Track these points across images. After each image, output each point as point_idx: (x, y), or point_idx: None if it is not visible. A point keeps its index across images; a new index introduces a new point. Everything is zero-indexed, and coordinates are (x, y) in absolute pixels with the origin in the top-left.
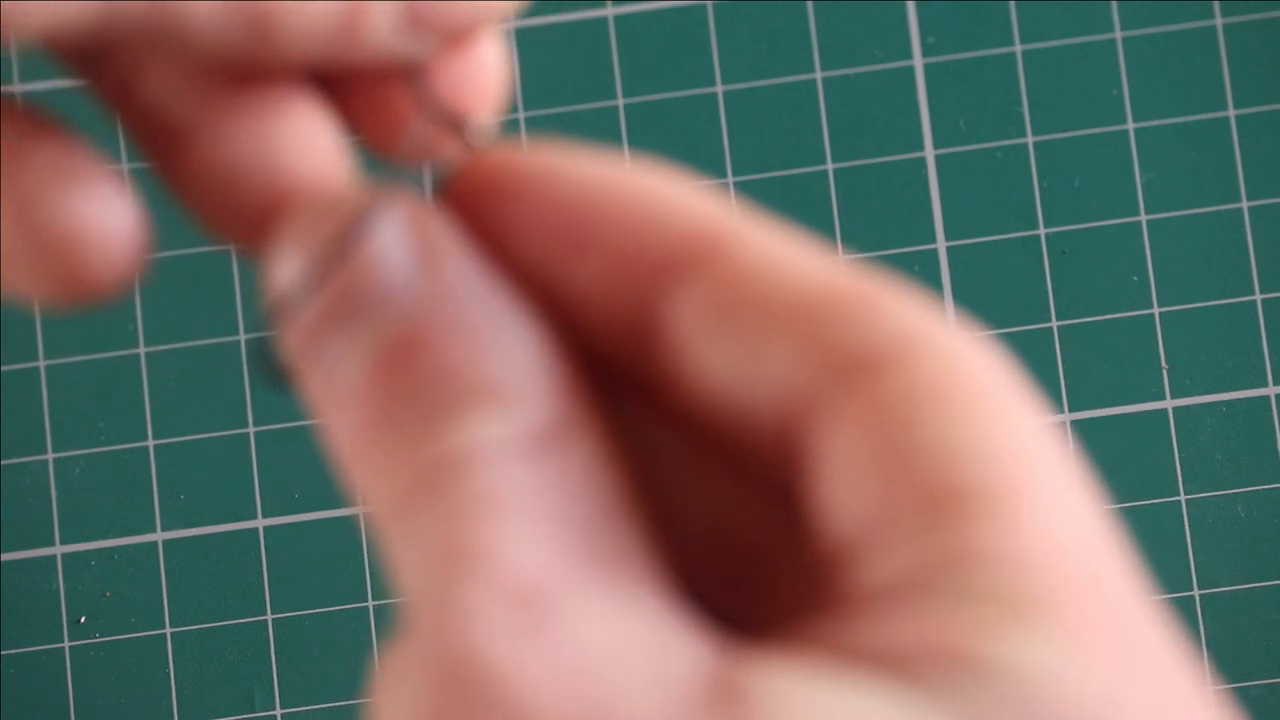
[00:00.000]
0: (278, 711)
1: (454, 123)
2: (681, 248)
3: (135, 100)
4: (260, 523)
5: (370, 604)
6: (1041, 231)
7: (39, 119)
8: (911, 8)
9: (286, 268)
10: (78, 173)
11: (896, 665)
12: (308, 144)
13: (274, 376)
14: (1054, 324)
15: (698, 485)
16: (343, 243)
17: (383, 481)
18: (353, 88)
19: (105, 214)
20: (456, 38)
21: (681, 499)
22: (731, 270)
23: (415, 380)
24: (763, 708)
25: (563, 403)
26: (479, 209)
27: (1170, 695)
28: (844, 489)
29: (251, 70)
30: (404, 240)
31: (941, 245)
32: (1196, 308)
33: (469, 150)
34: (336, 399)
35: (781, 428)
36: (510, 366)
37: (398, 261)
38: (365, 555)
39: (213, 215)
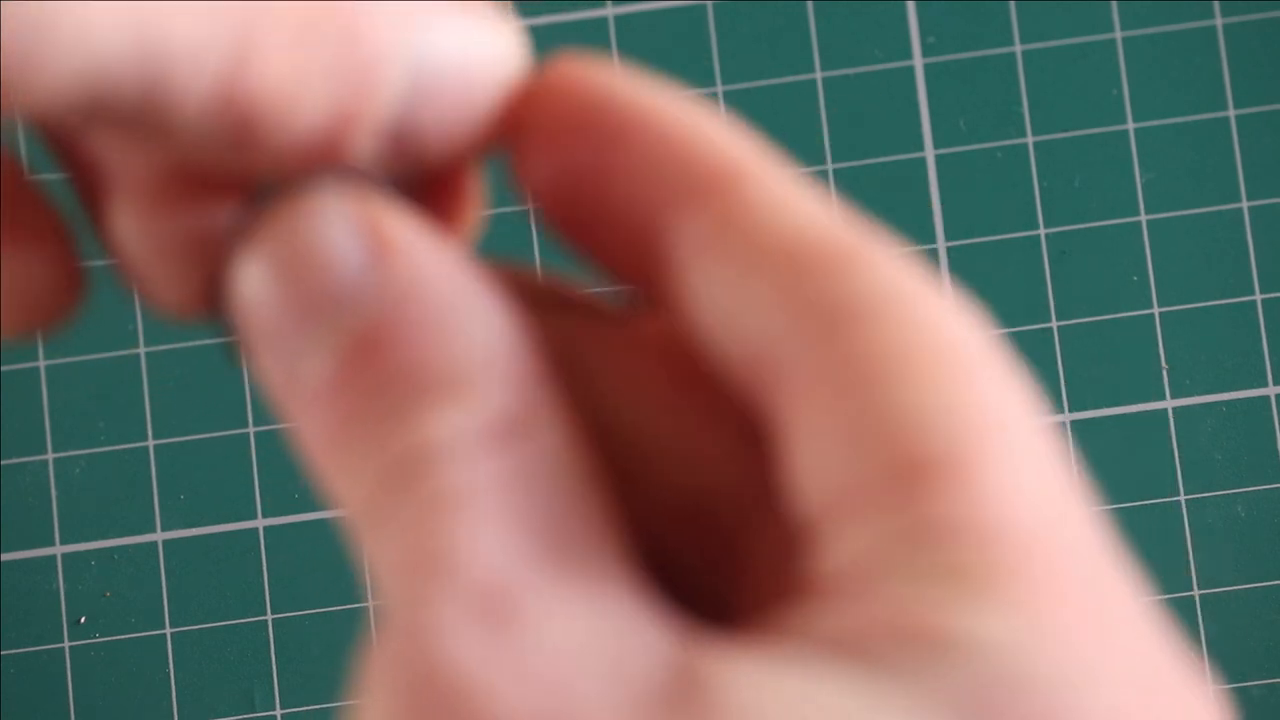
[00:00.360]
0: (278, 711)
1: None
2: (702, 175)
3: (73, 146)
4: (260, 523)
5: (370, 604)
6: (1041, 231)
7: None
8: (911, 8)
9: (246, 276)
10: (25, 220)
11: (859, 649)
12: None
13: (240, 366)
14: (1054, 324)
15: (684, 451)
16: (296, 246)
17: (351, 482)
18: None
19: (49, 263)
20: (438, 173)
21: (664, 472)
22: (737, 205)
23: (376, 377)
24: (723, 701)
25: (526, 391)
26: (516, 124)
27: (1144, 662)
28: (811, 458)
29: (216, 176)
30: (353, 237)
31: (941, 245)
32: (1196, 308)
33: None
34: (301, 400)
35: (758, 377)
36: (471, 357)
37: (349, 258)
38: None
39: (132, 271)
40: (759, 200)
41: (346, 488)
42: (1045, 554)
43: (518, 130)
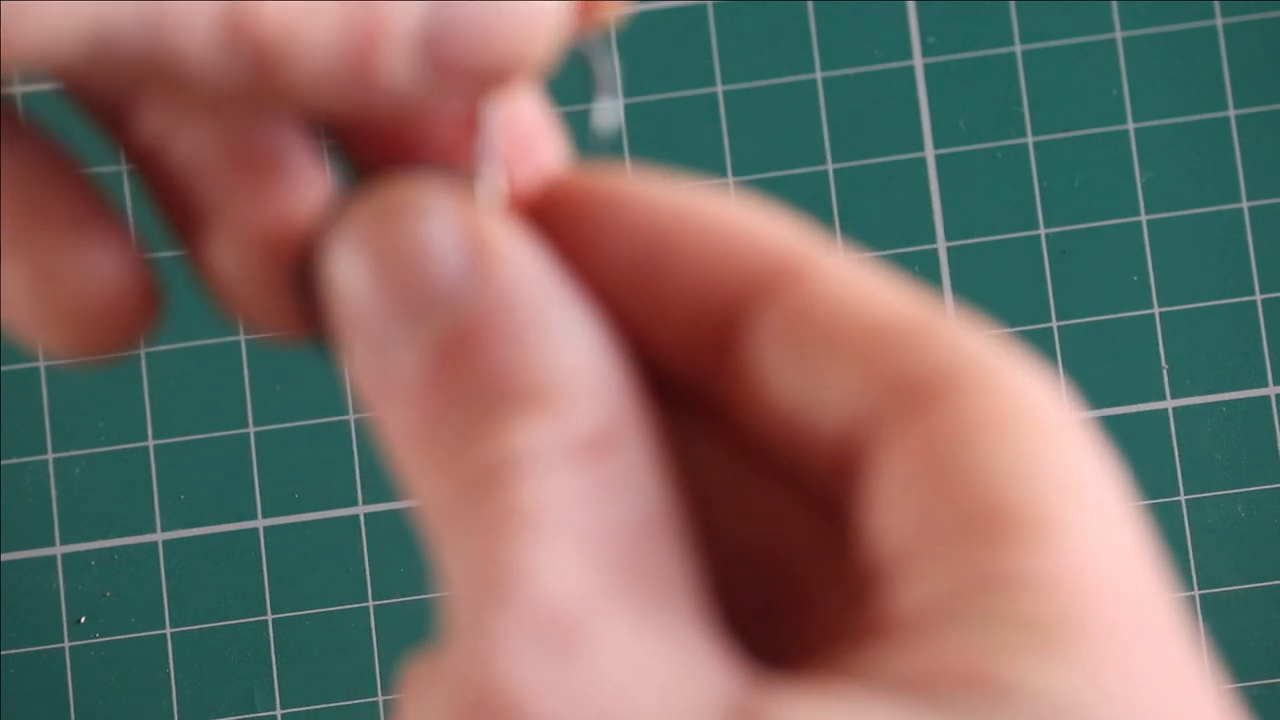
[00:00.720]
0: (278, 711)
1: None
2: (759, 273)
3: (163, 170)
4: (260, 523)
5: (370, 604)
6: (1041, 231)
7: (58, 161)
8: (911, 8)
9: (344, 267)
10: (95, 228)
11: (924, 691)
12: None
13: (333, 363)
14: (1054, 324)
15: (746, 504)
16: (398, 242)
17: (431, 484)
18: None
19: (121, 274)
20: (485, 84)
21: (728, 518)
22: (804, 296)
23: (466, 379)
24: None
25: (614, 409)
26: (562, 228)
27: None
28: (890, 511)
29: (263, 121)
30: (457, 240)
31: (941, 245)
32: (1196, 308)
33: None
34: (391, 397)
35: (839, 450)
36: (563, 369)
37: (451, 261)
38: (365, 555)
39: (235, 299)
40: (829, 285)
41: (427, 488)
42: (1115, 614)
43: (569, 246)
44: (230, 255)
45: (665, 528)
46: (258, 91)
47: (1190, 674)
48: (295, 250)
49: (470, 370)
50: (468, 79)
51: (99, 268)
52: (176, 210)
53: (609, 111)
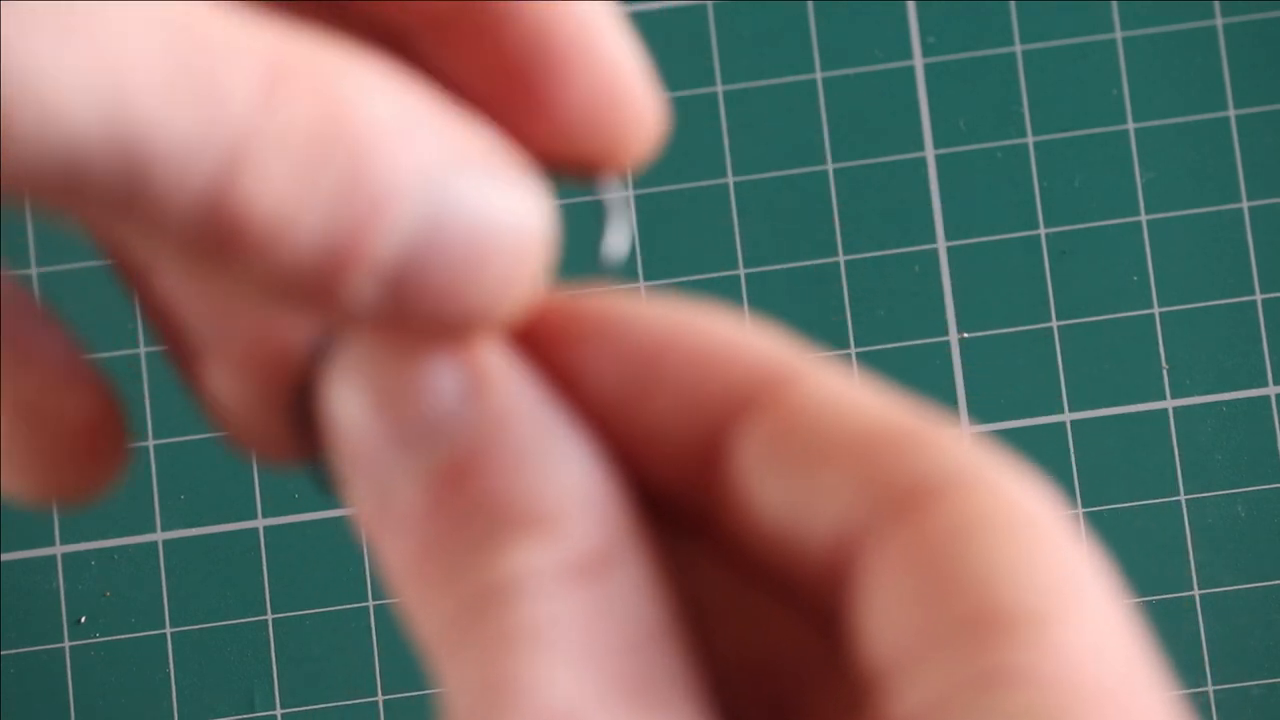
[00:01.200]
0: (278, 711)
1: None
2: (743, 388)
3: (155, 298)
4: (260, 523)
5: (370, 604)
6: (1041, 231)
7: (26, 300)
8: (911, 8)
9: (341, 399)
10: (73, 368)
11: None
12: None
13: (331, 492)
14: (1054, 324)
15: (740, 615)
16: (394, 373)
17: (431, 607)
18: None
19: (100, 414)
20: (441, 330)
21: (723, 627)
22: (789, 410)
23: (464, 507)
24: None
25: (610, 530)
26: (544, 350)
27: None
28: (884, 617)
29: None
30: (451, 370)
31: (941, 245)
32: (1196, 308)
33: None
34: (390, 526)
35: (831, 560)
36: (559, 493)
37: (446, 391)
38: (365, 555)
39: (235, 426)
40: (812, 398)
41: (427, 612)
42: (1109, 706)
43: (557, 369)
44: (226, 384)
45: (663, 640)
46: (218, 261)
47: None
48: (292, 377)
49: (468, 497)
50: (424, 321)
51: (77, 408)
52: (172, 337)
53: (620, 242)
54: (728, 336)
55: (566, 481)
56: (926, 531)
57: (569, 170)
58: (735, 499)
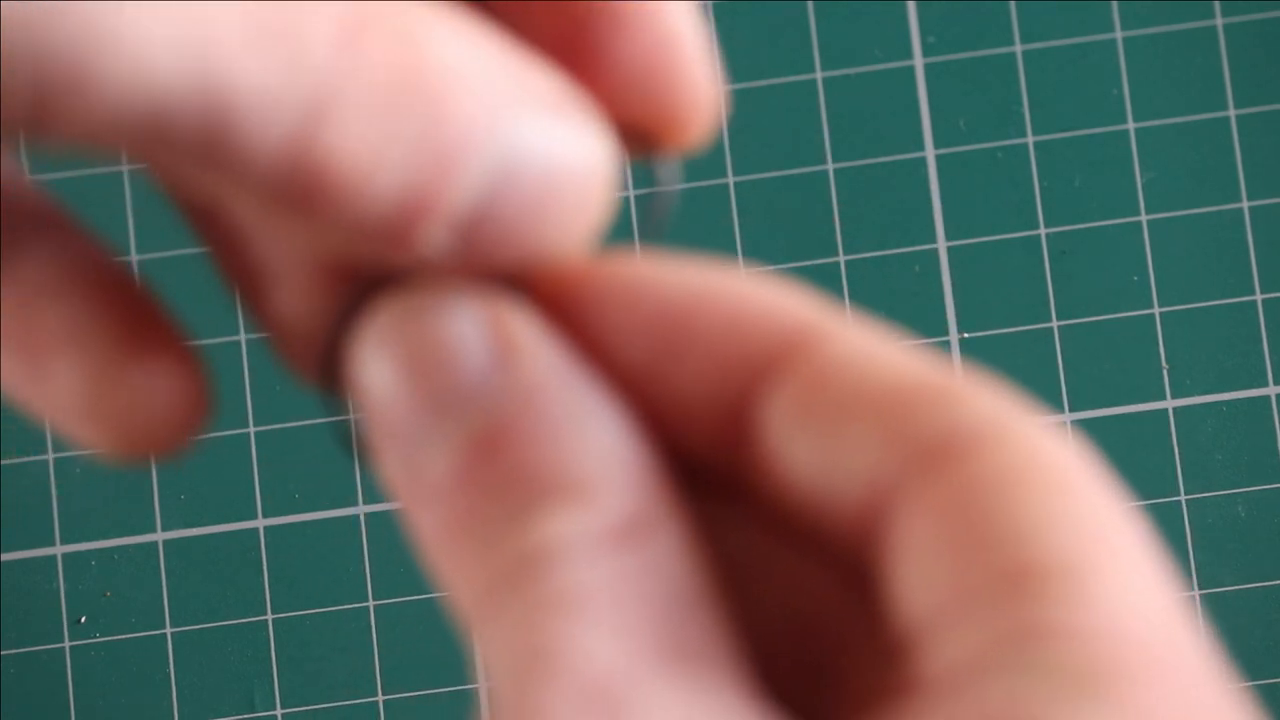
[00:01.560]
0: (278, 711)
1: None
2: (771, 348)
3: (221, 225)
4: (260, 523)
5: (370, 604)
6: (1041, 231)
7: (110, 263)
8: (911, 8)
9: (371, 368)
10: (153, 333)
11: None
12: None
13: (360, 460)
14: (1054, 324)
15: (775, 576)
16: (424, 342)
17: (467, 577)
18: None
19: (177, 381)
20: (512, 264)
21: (759, 590)
22: (816, 368)
23: (498, 476)
24: None
25: (645, 495)
26: (572, 315)
27: None
28: (918, 573)
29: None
30: (482, 337)
31: (941, 245)
32: (1196, 308)
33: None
34: (423, 495)
35: (862, 518)
36: (592, 460)
37: (477, 359)
38: (365, 555)
39: (292, 350)
40: (833, 358)
41: (461, 582)
42: (1148, 658)
43: (586, 334)
44: (292, 308)
45: (701, 605)
46: (298, 206)
47: (1225, 714)
48: (342, 314)
49: (501, 465)
50: (495, 260)
51: (157, 375)
52: (235, 263)
53: (664, 216)
54: (754, 296)
55: (599, 448)
56: (957, 486)
57: (624, 139)
58: (766, 460)
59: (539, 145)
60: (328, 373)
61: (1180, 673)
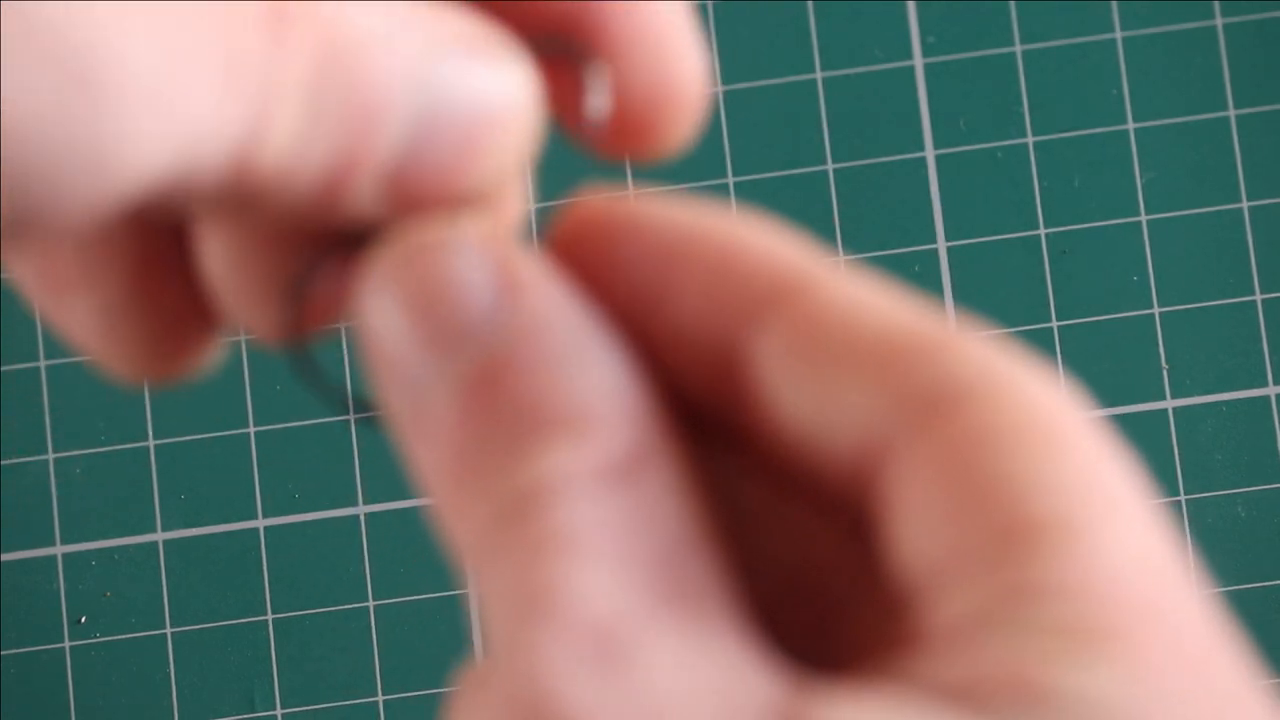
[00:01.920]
0: (278, 711)
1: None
2: (765, 289)
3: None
4: (260, 523)
5: (370, 604)
6: (1041, 231)
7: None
8: (911, 8)
9: (375, 305)
10: (163, 258)
11: (965, 697)
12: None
13: (362, 412)
14: (1054, 324)
15: (776, 525)
16: (429, 278)
17: (466, 515)
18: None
19: (188, 303)
20: (444, 211)
21: (760, 539)
22: (812, 311)
23: (497, 410)
24: None
25: (643, 432)
26: (578, 253)
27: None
28: (917, 527)
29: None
30: (485, 273)
31: (941, 245)
32: (1196, 308)
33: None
34: (424, 432)
35: (858, 467)
36: (593, 396)
37: (479, 292)
38: (365, 555)
39: (231, 305)
40: (834, 300)
41: (461, 520)
42: (1149, 615)
43: (586, 272)
44: (226, 267)
45: (698, 544)
46: (235, 209)
47: (1226, 667)
48: (293, 265)
49: (501, 401)
50: (426, 207)
51: (169, 299)
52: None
53: (601, 103)
54: (749, 238)
55: (600, 384)
56: (953, 440)
57: (548, 43)
58: (761, 405)
59: (458, 86)
60: (291, 333)
61: (1179, 627)
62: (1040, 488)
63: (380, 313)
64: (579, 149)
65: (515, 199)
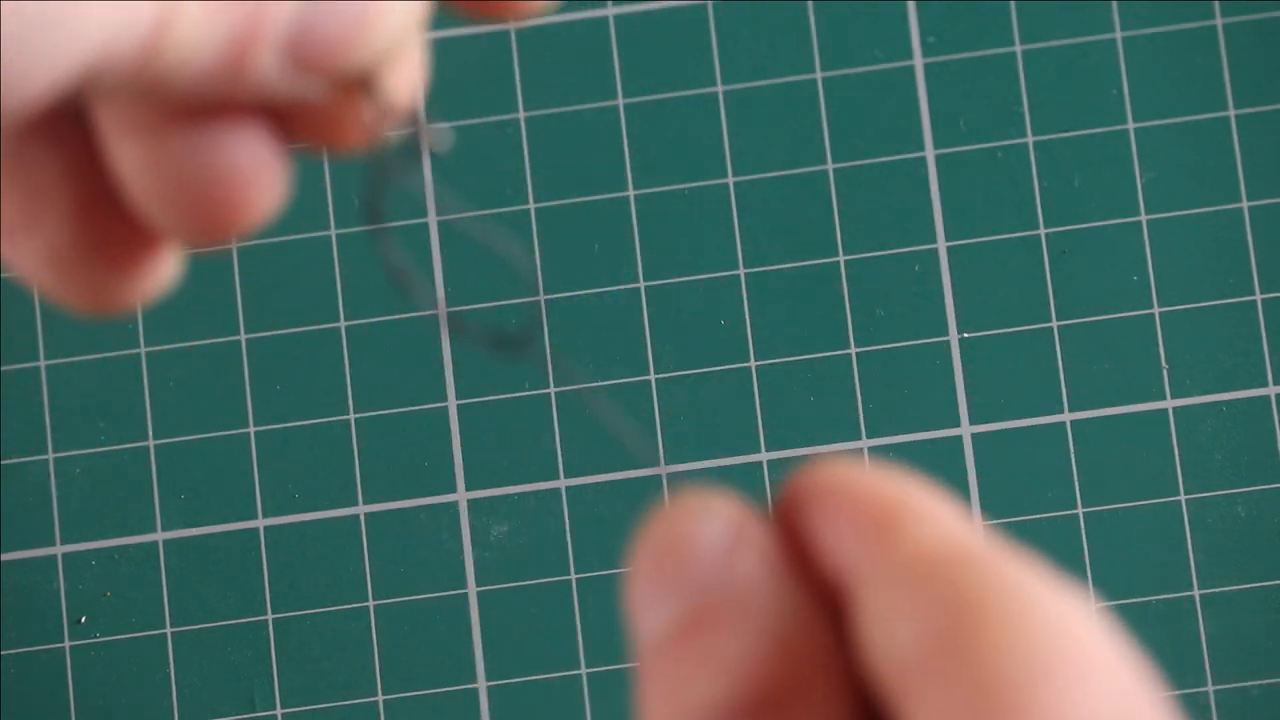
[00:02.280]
0: (278, 711)
1: (401, 120)
2: (867, 519)
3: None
4: (260, 523)
5: (370, 604)
6: (1041, 231)
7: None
8: (911, 8)
9: (637, 553)
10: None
11: None
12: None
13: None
14: (1054, 324)
15: None
16: (675, 529)
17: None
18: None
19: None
20: (346, 77)
21: None
22: (892, 535)
23: (692, 655)
24: None
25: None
26: (800, 523)
27: None
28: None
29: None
30: (722, 530)
31: (941, 245)
32: (1196, 308)
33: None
34: (642, 645)
35: (884, 685)
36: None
37: (714, 547)
38: (365, 555)
39: (154, 215)
40: (913, 530)
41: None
42: None
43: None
44: (132, 163)
45: None
46: (144, 92)
47: None
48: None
49: (699, 644)
50: (328, 74)
51: (110, 231)
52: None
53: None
54: (870, 480)
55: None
56: (972, 685)
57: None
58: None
59: None
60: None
61: None
62: (1004, 651)
63: (639, 557)
64: (456, 11)
65: (412, 64)
